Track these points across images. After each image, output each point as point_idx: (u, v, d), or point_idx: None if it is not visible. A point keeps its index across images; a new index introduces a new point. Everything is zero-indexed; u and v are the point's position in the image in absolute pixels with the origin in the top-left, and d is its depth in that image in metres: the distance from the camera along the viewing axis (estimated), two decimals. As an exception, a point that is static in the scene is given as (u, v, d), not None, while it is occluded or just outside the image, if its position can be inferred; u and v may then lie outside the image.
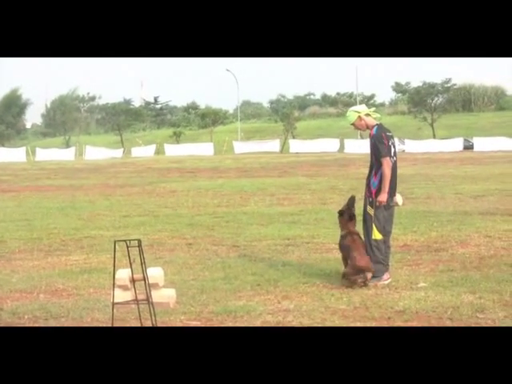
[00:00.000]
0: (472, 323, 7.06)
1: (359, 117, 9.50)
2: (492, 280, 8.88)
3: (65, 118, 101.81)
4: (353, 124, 9.68)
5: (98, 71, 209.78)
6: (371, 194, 9.18)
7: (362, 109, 9.75)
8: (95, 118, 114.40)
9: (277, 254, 11.40)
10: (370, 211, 9.11)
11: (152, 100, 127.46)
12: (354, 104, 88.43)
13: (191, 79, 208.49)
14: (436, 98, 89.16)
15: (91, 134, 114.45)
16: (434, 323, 7.08)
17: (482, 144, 64.47)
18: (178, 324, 7.30)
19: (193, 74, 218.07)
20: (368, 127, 9.58)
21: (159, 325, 6.69)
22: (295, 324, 7.18)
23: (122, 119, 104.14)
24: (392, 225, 9.44)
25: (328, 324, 7.13)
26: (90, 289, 9.08)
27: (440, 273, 9.50)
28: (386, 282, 8.87)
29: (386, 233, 9.19)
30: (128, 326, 7.07)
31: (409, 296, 8.21)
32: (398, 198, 11.74)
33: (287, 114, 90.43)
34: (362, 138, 79.31)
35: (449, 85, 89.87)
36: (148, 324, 6.56)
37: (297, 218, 16.02)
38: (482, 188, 22.21)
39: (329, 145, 73.01)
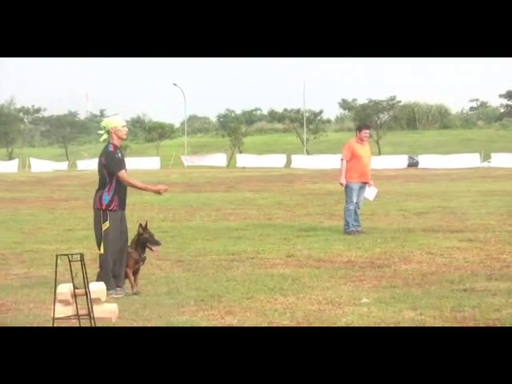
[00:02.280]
0: (413, 339, 7.10)
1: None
2: (433, 296, 8.95)
3: (6, 130, 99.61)
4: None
5: (43, 83, 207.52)
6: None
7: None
8: (40, 130, 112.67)
9: (221, 269, 11.37)
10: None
11: (98, 113, 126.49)
12: (302, 120, 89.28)
13: (138, 93, 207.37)
14: (381, 115, 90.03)
15: (35, 147, 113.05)
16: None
17: (426, 161, 65.27)
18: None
19: (140, 88, 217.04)
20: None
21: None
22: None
23: (67, 132, 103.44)
24: None
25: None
26: (30, 304, 8.94)
27: (383, 289, 9.56)
28: None
29: None
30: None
31: (352, 312, 8.23)
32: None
33: (234, 129, 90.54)
34: (308, 153, 79.87)
35: (394, 102, 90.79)
36: (89, 339, 6.50)
37: (242, 233, 16.03)
38: (425, 205, 22.46)
39: (276, 160, 73.18)
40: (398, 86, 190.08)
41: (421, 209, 21.21)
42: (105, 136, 9.90)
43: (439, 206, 21.95)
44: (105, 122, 10.01)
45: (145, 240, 9.85)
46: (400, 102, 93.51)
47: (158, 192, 10.20)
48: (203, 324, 7.75)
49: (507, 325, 7.58)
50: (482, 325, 7.61)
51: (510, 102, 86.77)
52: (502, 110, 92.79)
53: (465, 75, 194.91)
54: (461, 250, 12.83)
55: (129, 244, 9.90)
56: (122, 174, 9.69)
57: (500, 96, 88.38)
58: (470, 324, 7.65)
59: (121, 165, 9.74)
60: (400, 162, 66.20)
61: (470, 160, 63.99)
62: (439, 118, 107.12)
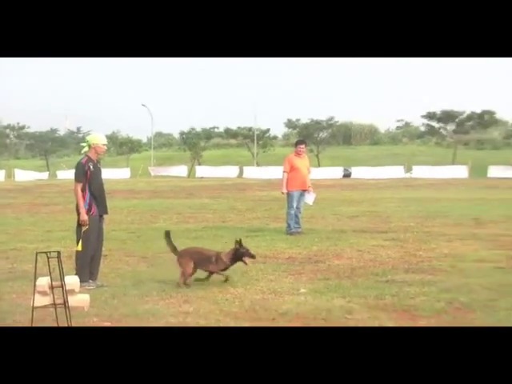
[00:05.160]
0: (341, 323, 7.22)
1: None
2: (360, 287, 9.07)
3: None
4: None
5: (28, 103, 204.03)
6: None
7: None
8: (24, 144, 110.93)
9: (180, 264, 11.37)
10: None
11: (75, 130, 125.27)
12: (253, 136, 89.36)
13: (111, 111, 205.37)
14: (321, 133, 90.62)
15: (20, 159, 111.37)
16: (312, 323, 7.19)
17: (358, 173, 65.71)
18: (91, 324, 7.22)
19: (113, 107, 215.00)
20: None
21: (74, 325, 6.62)
22: (193, 325, 7.21)
23: (48, 146, 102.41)
24: None
25: (222, 325, 7.18)
26: (13, 294, 8.89)
27: (318, 281, 9.64)
28: None
29: None
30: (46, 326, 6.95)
31: (291, 300, 8.32)
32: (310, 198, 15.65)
33: (195, 144, 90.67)
34: (258, 165, 79.92)
35: (332, 122, 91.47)
36: (64, 325, 6.48)
37: (199, 233, 16.01)
38: (356, 210, 22.62)
39: (230, 171, 73.14)
40: (336, 108, 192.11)
41: (352, 213, 21.35)
42: (86, 149, 9.84)
43: (368, 211, 22.10)
44: (89, 138, 9.86)
45: (241, 255, 9.59)
46: (337, 121, 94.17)
47: (81, 220, 9.60)
48: (164, 312, 7.79)
49: (420, 310, 7.74)
50: (399, 310, 7.76)
51: (429, 122, 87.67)
52: (422, 129, 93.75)
53: (392, 99, 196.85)
54: (385, 248, 12.99)
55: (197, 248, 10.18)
56: (77, 185, 9.62)
57: (421, 117, 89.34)
58: (390, 309, 7.80)
59: (81, 177, 9.62)
60: (336, 173, 66.48)
61: (395, 171, 64.52)
62: (370, 136, 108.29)
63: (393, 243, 13.66)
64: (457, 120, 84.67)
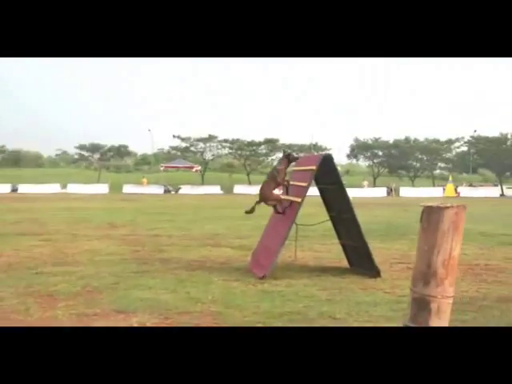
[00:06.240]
0: None
1: None
2: (14, 278, 7.70)
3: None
4: None
5: None
6: None
7: None
8: None
9: None
10: None
11: None
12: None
13: None
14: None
15: None
16: None
17: (24, 188, 58.78)
18: None
19: None
20: None
21: None
22: None
23: None
24: None
25: None
26: None
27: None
28: None
29: None
30: None
31: None
32: None
33: None
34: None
35: (4, 149, 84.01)
36: None
37: None
38: (19, 217, 19.90)
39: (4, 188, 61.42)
40: (5, 137, 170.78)
41: (15, 220, 18.64)
42: None
43: (29, 218, 19.61)
44: None
45: (292, 158, 8.53)
46: (8, 148, 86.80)
47: None
48: None
49: (60, 294, 6.74)
50: (45, 296, 6.67)
51: (81, 152, 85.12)
52: (76, 157, 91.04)
53: (51, 133, 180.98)
54: (39, 247, 11.44)
55: None
56: None
57: (75, 147, 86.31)
58: (37, 295, 6.66)
59: None
60: (5, 188, 58.30)
61: (53, 188, 60.18)
62: (35, 161, 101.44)
63: (46, 243, 12.11)
64: (101, 151, 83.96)
